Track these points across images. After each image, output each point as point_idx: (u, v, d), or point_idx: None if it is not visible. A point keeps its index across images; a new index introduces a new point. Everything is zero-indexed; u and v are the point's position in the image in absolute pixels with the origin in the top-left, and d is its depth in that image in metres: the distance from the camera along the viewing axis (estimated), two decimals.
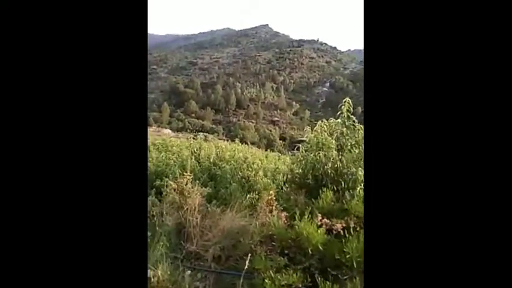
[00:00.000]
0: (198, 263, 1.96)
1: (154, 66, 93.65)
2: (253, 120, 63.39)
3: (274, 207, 2.16)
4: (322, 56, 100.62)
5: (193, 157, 3.88)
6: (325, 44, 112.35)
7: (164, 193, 2.53)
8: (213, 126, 56.16)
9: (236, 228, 2.02)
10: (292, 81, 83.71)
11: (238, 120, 61.20)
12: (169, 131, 42.61)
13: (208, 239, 2.04)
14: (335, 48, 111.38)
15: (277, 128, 60.77)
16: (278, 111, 70.07)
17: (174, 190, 2.21)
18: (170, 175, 3.04)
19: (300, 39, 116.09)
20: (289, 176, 3.64)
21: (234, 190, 2.93)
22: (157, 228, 2.11)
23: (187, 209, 2.17)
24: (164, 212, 2.15)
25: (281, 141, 47.95)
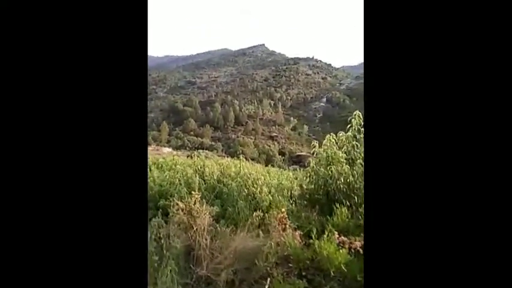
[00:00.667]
0: None
1: (154, 86, 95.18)
2: (252, 136, 63.60)
3: (287, 226, 2.06)
4: (318, 73, 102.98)
5: (197, 175, 3.79)
6: (320, 61, 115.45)
7: (171, 214, 2.42)
8: (212, 143, 56.16)
9: (249, 250, 1.90)
10: (289, 97, 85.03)
11: (238, 137, 61.34)
12: (169, 149, 42.54)
13: (220, 261, 1.92)
14: (330, 64, 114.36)
15: (275, 143, 60.87)
16: (276, 126, 70.56)
17: (182, 210, 2.11)
18: (176, 194, 2.94)
19: (295, 57, 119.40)
20: (297, 192, 3.54)
21: (241, 208, 2.83)
22: (164, 251, 1.99)
23: (196, 229, 2.06)
24: (172, 234, 2.04)
25: (280, 156, 47.82)
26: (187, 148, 47.43)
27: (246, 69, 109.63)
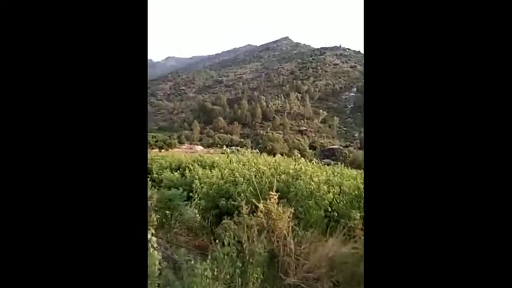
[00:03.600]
0: None
1: (183, 87, 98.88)
2: (280, 131, 63.11)
3: None
4: (346, 61, 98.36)
5: (252, 173, 3.69)
6: (348, 49, 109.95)
7: (242, 215, 2.32)
8: (241, 140, 56.79)
9: (342, 256, 1.71)
10: (317, 89, 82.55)
11: (266, 132, 61.27)
12: (201, 147, 43.95)
13: (309, 269, 1.75)
14: (359, 52, 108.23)
15: (305, 137, 59.68)
16: (305, 120, 69.09)
17: (261, 212, 1.98)
18: (240, 194, 2.85)
19: (321, 47, 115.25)
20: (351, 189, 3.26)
21: (310, 208, 2.65)
22: (247, 257, 1.88)
23: (277, 233, 1.92)
24: (253, 238, 1.92)
25: (311, 151, 46.73)
26: (218, 145, 48.53)
27: (271, 64, 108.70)
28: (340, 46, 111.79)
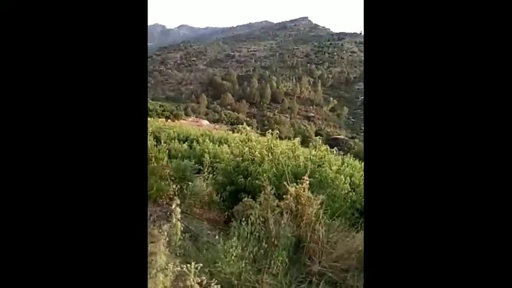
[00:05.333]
0: None
1: (194, 58, 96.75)
2: (287, 115, 62.44)
3: None
4: None
5: (269, 154, 3.59)
6: None
7: (267, 197, 2.25)
8: (248, 119, 56.40)
9: None
10: (330, 76, 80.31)
11: (274, 115, 60.67)
12: (207, 122, 43.83)
13: (337, 258, 1.70)
14: None
15: (312, 123, 59.09)
16: (314, 106, 68.03)
17: (290, 195, 1.90)
18: (264, 174, 2.77)
19: (340, 32, 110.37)
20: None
21: (334, 197, 2.57)
22: (273, 238, 1.83)
23: (305, 219, 1.85)
24: (279, 220, 1.86)
25: (317, 137, 46.41)
26: (223, 122, 48.33)
27: (286, 44, 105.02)
28: (360, 33, 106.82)
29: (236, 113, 58.25)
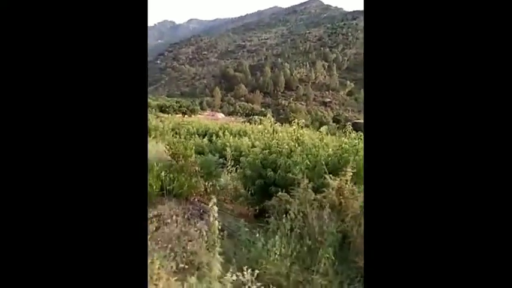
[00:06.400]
0: None
1: (205, 52, 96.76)
2: (302, 102, 61.22)
3: None
4: None
5: (296, 145, 3.46)
6: None
7: (301, 189, 2.14)
8: (262, 109, 55.98)
9: None
10: (346, 58, 77.23)
11: (289, 103, 59.73)
12: (222, 114, 44.09)
13: None
14: None
15: (329, 109, 57.58)
16: (330, 91, 66.06)
17: (332, 188, 1.78)
18: (297, 166, 2.65)
19: (354, 11, 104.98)
20: None
21: None
22: (316, 235, 1.73)
23: (350, 213, 1.73)
24: (322, 215, 1.75)
25: (335, 124, 45.33)
26: (238, 114, 48.34)
27: (298, 29, 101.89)
28: None
29: (251, 104, 57.99)
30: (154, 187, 2.50)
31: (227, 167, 4.64)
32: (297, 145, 3.42)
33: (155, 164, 2.73)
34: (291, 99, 62.87)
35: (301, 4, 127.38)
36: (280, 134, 3.42)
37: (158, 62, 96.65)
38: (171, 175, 2.57)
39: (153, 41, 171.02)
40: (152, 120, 11.68)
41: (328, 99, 62.93)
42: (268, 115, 4.10)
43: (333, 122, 47.35)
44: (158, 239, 2.15)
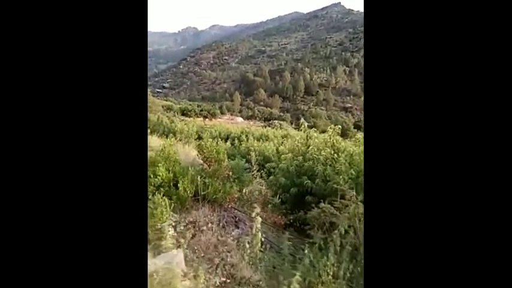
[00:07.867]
0: None
1: (226, 57, 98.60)
2: (323, 107, 60.21)
3: None
4: None
5: (332, 151, 3.27)
6: None
7: (346, 201, 1.97)
8: (281, 114, 55.68)
9: None
10: None
11: (309, 108, 59.02)
12: (241, 119, 44.41)
13: None
14: None
15: (350, 115, 56.13)
16: (351, 96, 64.44)
17: None
18: (341, 176, 2.49)
19: None
20: None
21: None
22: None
23: None
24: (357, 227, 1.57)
25: (355, 130, 44.04)
26: (257, 118, 48.43)
27: (318, 34, 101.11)
28: None
29: (269, 109, 57.92)
30: (189, 191, 2.44)
31: (252, 172, 4.53)
32: (332, 152, 3.24)
33: (189, 168, 2.68)
34: (311, 104, 62.06)
35: (323, 9, 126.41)
36: (316, 140, 3.26)
37: (181, 67, 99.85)
38: (206, 180, 2.50)
39: (176, 47, 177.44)
40: (177, 123, 11.90)
41: (349, 105, 61.38)
42: (302, 120, 3.95)
43: (354, 127, 46.05)
44: (195, 248, 2.06)
